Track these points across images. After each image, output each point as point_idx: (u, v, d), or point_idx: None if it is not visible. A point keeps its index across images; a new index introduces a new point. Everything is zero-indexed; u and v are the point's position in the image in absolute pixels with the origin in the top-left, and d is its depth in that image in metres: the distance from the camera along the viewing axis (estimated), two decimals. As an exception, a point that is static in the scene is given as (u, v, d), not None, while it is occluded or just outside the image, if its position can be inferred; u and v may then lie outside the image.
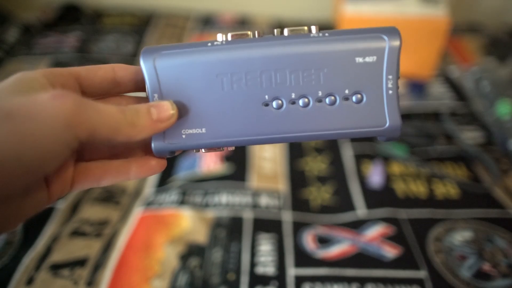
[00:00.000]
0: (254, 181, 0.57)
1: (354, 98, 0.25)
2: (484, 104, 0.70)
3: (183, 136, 0.25)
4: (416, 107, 0.70)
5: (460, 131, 0.65)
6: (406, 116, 0.69)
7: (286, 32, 0.25)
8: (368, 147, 0.63)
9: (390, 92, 0.25)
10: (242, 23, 0.96)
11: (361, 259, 0.46)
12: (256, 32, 0.25)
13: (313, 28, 0.24)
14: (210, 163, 0.60)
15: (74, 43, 0.85)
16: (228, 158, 0.61)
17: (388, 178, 0.57)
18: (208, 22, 0.95)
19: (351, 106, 0.25)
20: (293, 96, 0.25)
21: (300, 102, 0.25)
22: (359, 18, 0.72)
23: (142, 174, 0.26)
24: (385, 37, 0.24)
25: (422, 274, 0.45)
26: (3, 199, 0.20)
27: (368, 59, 0.24)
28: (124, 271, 0.44)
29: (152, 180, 0.58)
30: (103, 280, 0.43)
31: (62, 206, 0.52)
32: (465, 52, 0.87)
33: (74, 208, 0.52)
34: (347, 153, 0.62)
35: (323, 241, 0.49)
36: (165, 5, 0.99)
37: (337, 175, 0.59)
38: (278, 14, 0.99)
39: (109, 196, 0.55)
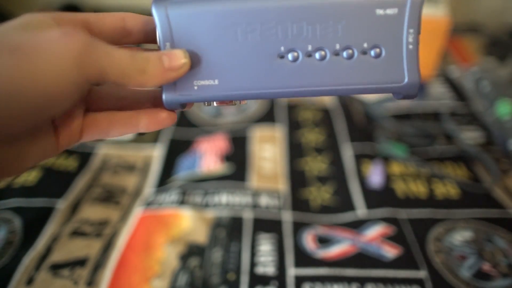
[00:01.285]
0: (254, 181, 0.57)
1: (372, 52, 0.24)
2: (484, 104, 0.70)
3: (195, 87, 0.24)
4: (416, 107, 0.70)
5: (460, 131, 0.65)
6: (406, 116, 0.69)
7: None
8: (368, 147, 0.63)
9: (410, 47, 0.24)
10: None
11: (361, 259, 0.46)
12: None
13: None
14: (210, 163, 0.60)
15: (74, 43, 0.85)
16: (228, 158, 0.61)
17: (388, 178, 0.57)
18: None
19: (369, 61, 0.24)
20: (309, 48, 0.24)
21: (317, 55, 0.24)
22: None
23: (152, 126, 0.25)
24: None
25: (422, 274, 0.45)
26: (8, 138, 0.19)
27: (389, 11, 0.23)
28: (124, 271, 0.44)
29: (152, 180, 0.58)
30: (103, 280, 0.43)
31: (62, 206, 0.52)
32: (465, 52, 0.87)
33: (74, 208, 0.52)
34: (347, 153, 0.62)
35: (323, 241, 0.49)
36: (165, 5, 0.99)
37: (337, 175, 0.59)
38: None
39: (109, 196, 0.55)
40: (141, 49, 0.26)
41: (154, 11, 0.24)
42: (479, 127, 0.66)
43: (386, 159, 0.60)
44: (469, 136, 0.64)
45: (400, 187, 0.56)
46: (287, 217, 0.52)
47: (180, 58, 0.23)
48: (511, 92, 0.67)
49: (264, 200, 0.54)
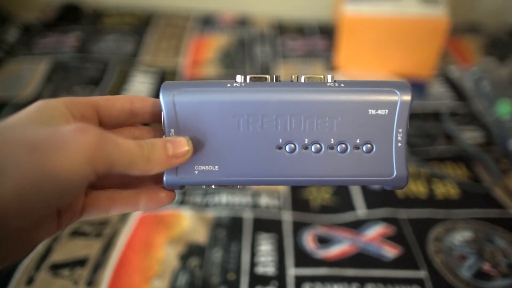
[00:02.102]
0: (254, 181, 0.57)
1: (364, 148, 0.26)
2: (484, 104, 0.70)
3: (196, 172, 0.26)
4: (416, 107, 0.70)
5: (460, 131, 0.65)
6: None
7: (303, 79, 0.25)
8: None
9: (399, 144, 0.26)
10: (242, 23, 0.96)
11: (361, 259, 0.47)
12: (274, 76, 0.26)
13: (329, 77, 0.25)
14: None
15: (74, 43, 0.85)
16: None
17: (388, 178, 0.57)
18: (208, 22, 0.95)
19: (361, 155, 0.26)
20: (306, 141, 0.25)
21: (313, 148, 0.26)
22: (359, 18, 0.72)
23: (151, 206, 0.26)
24: (398, 92, 0.25)
25: (422, 274, 0.45)
26: (18, 230, 0.20)
27: (381, 111, 0.25)
28: (124, 271, 0.44)
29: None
30: (103, 280, 0.43)
31: (62, 206, 0.52)
32: (465, 52, 0.87)
33: (74, 208, 0.52)
34: (347, 153, 0.62)
35: (323, 241, 0.49)
36: (165, 5, 0.99)
37: (337, 175, 0.59)
38: (278, 14, 0.99)
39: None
40: (142, 128, 0.27)
41: (161, 98, 0.25)
42: (479, 127, 0.66)
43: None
44: (469, 136, 0.64)
45: (400, 187, 0.56)
46: (287, 217, 0.52)
47: (183, 146, 0.24)
48: (511, 92, 0.67)
49: (264, 200, 0.54)
